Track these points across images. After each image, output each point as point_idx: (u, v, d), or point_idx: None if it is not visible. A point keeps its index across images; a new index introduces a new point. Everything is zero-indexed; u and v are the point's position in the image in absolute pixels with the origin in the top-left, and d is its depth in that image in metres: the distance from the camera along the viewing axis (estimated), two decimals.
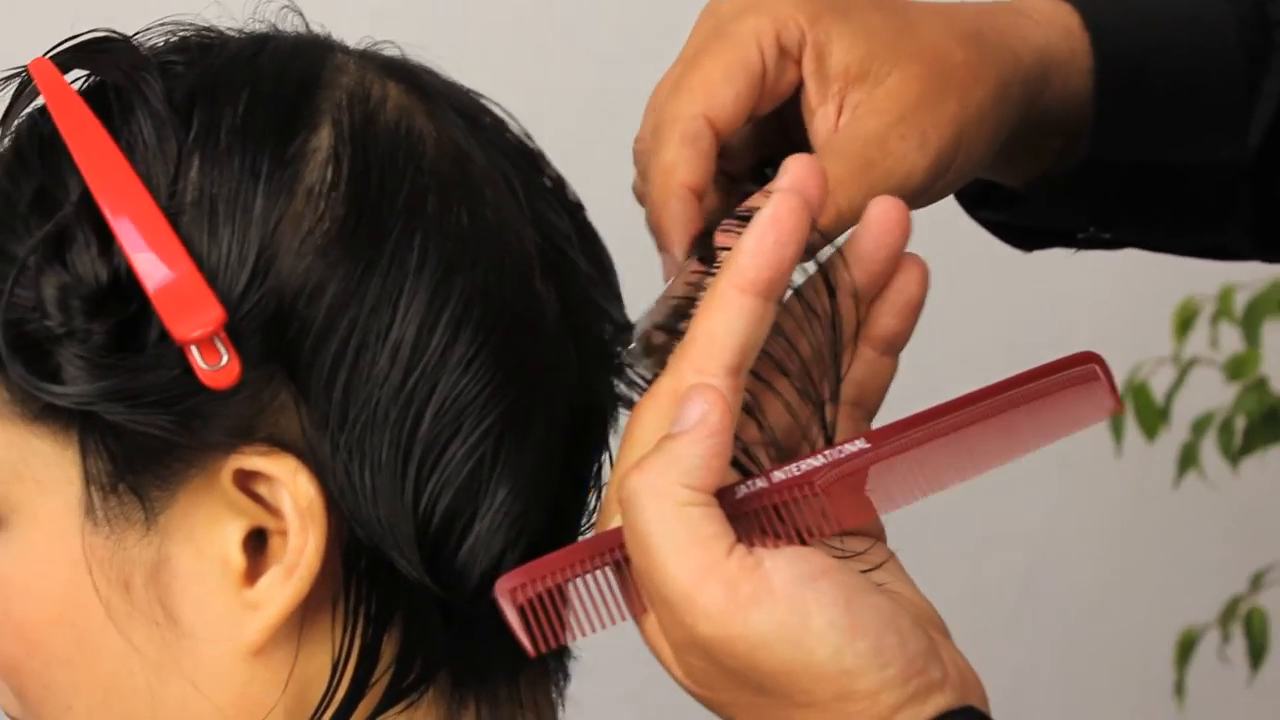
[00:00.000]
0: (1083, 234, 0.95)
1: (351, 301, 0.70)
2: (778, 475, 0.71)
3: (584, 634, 0.71)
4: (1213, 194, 0.92)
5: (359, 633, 0.72)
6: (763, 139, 0.82)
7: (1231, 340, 1.81)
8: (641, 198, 0.81)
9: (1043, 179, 0.91)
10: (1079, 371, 0.75)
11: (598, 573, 0.71)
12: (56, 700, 0.74)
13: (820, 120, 0.80)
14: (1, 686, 0.77)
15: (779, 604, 0.67)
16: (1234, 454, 1.78)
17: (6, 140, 0.75)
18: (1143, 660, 1.92)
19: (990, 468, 0.73)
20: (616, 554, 0.70)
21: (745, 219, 0.71)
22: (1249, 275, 1.79)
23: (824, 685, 0.67)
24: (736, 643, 0.67)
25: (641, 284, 0.79)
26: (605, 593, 0.71)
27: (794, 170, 0.71)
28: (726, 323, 0.69)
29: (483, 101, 0.77)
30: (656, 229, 0.78)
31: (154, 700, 0.73)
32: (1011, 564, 2.13)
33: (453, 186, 0.73)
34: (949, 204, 0.91)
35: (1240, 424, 1.77)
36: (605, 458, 0.78)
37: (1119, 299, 1.83)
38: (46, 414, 0.71)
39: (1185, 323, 1.82)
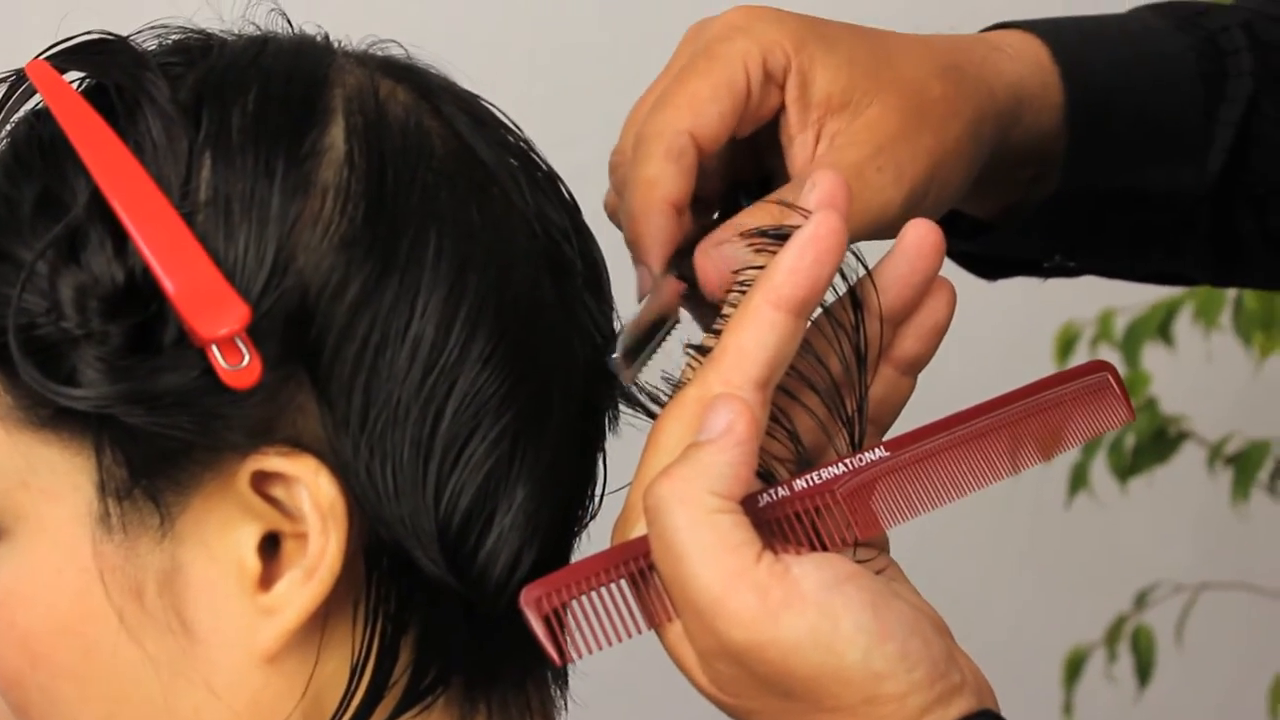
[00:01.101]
0: (1048, 263, 0.97)
1: (370, 299, 0.69)
2: (799, 484, 0.71)
3: (608, 644, 0.70)
4: (1175, 220, 0.94)
5: (378, 634, 0.71)
6: (735, 163, 0.83)
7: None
8: (614, 211, 0.82)
9: (1013, 209, 0.92)
10: (1092, 381, 0.76)
11: (622, 581, 0.70)
12: (62, 713, 0.73)
13: (799, 147, 0.80)
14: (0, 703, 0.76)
15: (809, 608, 0.67)
16: (1124, 473, 1.81)
17: (2, 145, 0.73)
18: (1030, 679, 1.95)
19: (1004, 476, 0.74)
20: (640, 563, 0.70)
21: (778, 237, 0.72)
22: (1127, 299, 1.83)
23: (852, 689, 0.67)
24: (768, 648, 0.67)
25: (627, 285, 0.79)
26: (629, 602, 0.70)
27: (824, 185, 0.72)
28: (757, 337, 0.70)
29: (480, 100, 0.77)
30: (634, 242, 0.78)
31: (167, 709, 0.71)
32: None
33: (463, 183, 0.73)
34: None
35: (1130, 444, 1.80)
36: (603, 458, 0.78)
37: (999, 324, 1.85)
38: (57, 420, 0.70)
39: (1066, 346, 1.85)
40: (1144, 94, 0.93)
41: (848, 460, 0.72)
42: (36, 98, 0.73)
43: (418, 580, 0.71)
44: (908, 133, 0.80)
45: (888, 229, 0.79)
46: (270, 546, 0.71)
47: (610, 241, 0.80)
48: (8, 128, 0.73)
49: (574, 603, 0.70)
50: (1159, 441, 1.80)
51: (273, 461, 0.69)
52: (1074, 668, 1.87)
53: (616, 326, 0.78)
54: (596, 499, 0.78)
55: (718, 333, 0.72)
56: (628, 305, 0.79)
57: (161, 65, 0.72)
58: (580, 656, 0.70)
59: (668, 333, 0.77)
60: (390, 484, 0.69)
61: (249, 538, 0.70)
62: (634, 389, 0.76)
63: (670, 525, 0.68)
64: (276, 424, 0.69)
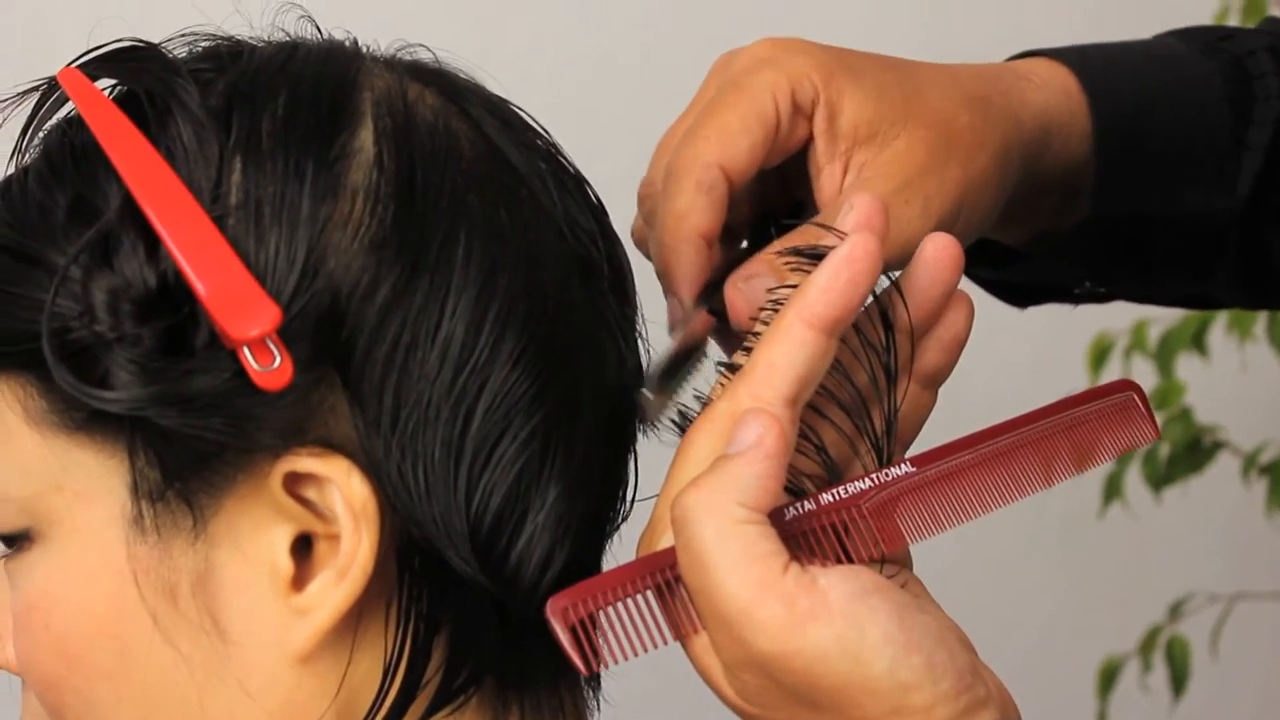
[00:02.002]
0: (1079, 289, 0.97)
1: (401, 301, 0.70)
2: (825, 497, 0.72)
3: (634, 654, 0.71)
4: (1205, 244, 0.94)
5: (410, 634, 0.71)
6: (764, 193, 0.83)
7: (1144, 374, 1.84)
8: (642, 240, 0.82)
9: (1042, 236, 0.93)
10: (1117, 400, 0.77)
11: (648, 592, 0.71)
12: (97, 715, 0.73)
13: (826, 178, 0.81)
14: (33, 706, 0.76)
15: (836, 619, 0.67)
16: (1158, 483, 1.81)
17: (34, 151, 0.74)
18: (1064, 689, 1.94)
19: (1029, 493, 0.75)
20: (667, 574, 0.70)
21: (814, 256, 0.72)
22: (1161, 310, 1.83)
23: (879, 700, 0.67)
24: (794, 658, 0.67)
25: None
26: (655, 613, 0.71)
27: (861, 208, 0.72)
28: (789, 354, 0.70)
29: (508, 103, 0.77)
30: (665, 274, 0.79)
31: (201, 710, 0.72)
32: (931, 593, 2.14)
33: (491, 185, 0.73)
34: None
35: (1164, 454, 1.80)
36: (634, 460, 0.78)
37: (1032, 336, 1.85)
38: (91, 423, 0.70)
39: (1100, 357, 1.85)
40: (1172, 119, 0.93)
41: (874, 475, 0.72)
42: (69, 105, 0.73)
43: (450, 580, 0.71)
44: (935, 164, 0.81)
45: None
46: (303, 547, 0.71)
47: (631, 247, 0.81)
48: (41, 135, 0.74)
49: (600, 613, 0.70)
50: (1193, 451, 1.79)
51: (305, 463, 0.69)
52: (1108, 678, 1.86)
53: (640, 328, 0.78)
54: (628, 502, 0.78)
55: (749, 350, 0.72)
56: (652, 308, 0.79)
57: (192, 72, 0.73)
58: (606, 666, 0.70)
59: (696, 363, 0.78)
60: (422, 484, 0.70)
61: (282, 539, 0.71)
62: (663, 419, 0.76)
63: (698, 535, 0.68)
64: (308, 425, 0.70)
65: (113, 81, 0.73)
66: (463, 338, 0.70)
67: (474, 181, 0.72)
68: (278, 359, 0.68)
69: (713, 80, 0.83)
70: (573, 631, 0.69)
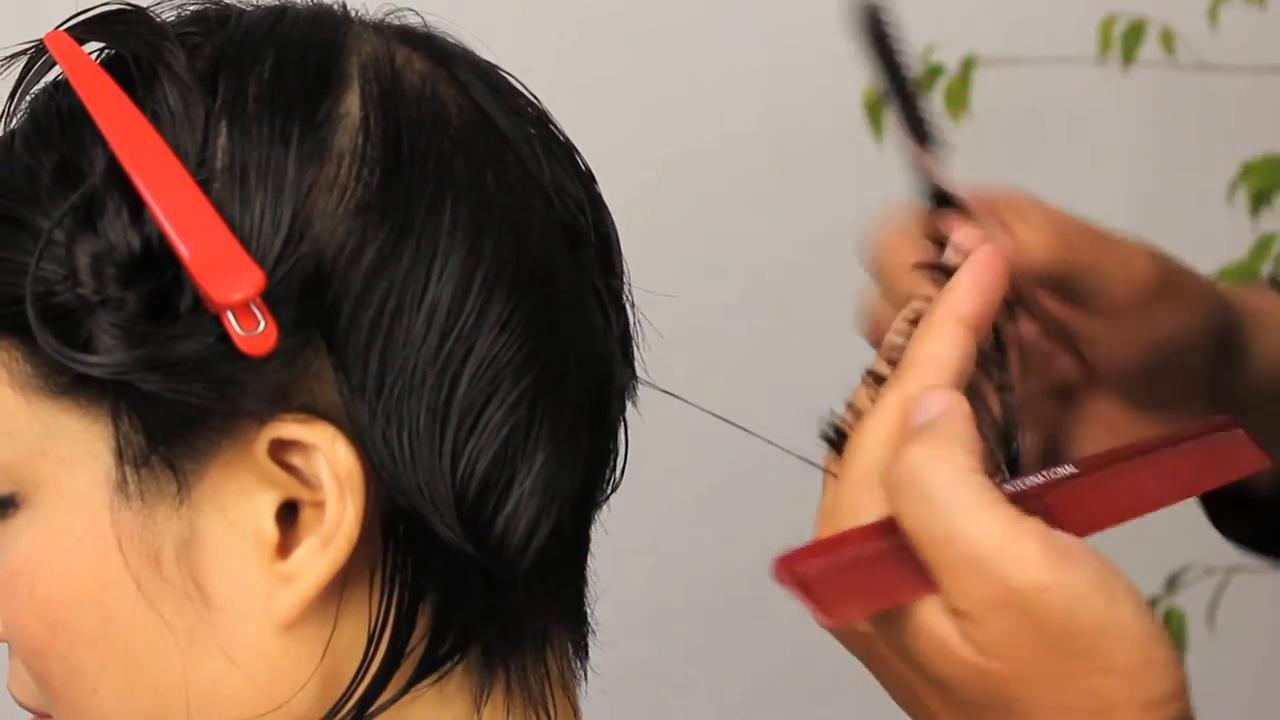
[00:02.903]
0: None
1: (386, 266, 0.69)
2: (1007, 488, 0.71)
3: (863, 614, 0.70)
4: None
5: (394, 602, 0.71)
6: None
7: None
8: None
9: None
10: (1229, 434, 0.80)
11: (874, 555, 0.69)
12: (82, 683, 0.73)
13: None
14: (19, 673, 0.76)
15: (1089, 558, 0.66)
16: None
17: (22, 115, 0.74)
18: None
19: (1156, 509, 0.76)
20: (883, 542, 0.69)
21: (945, 271, 0.76)
22: None
23: (1132, 649, 0.66)
24: (1055, 591, 0.65)
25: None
26: (880, 576, 0.69)
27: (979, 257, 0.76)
28: (948, 347, 0.72)
29: (497, 69, 0.77)
30: None
31: (185, 676, 0.72)
32: None
33: (479, 150, 0.73)
34: None
35: None
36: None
37: None
38: (75, 387, 0.70)
39: None
40: None
41: (1044, 472, 0.73)
42: (57, 69, 0.73)
43: (435, 547, 0.71)
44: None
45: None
46: (288, 514, 0.71)
47: (625, 219, 0.80)
48: (28, 98, 0.74)
49: (830, 573, 0.68)
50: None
51: (290, 429, 0.69)
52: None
53: (625, 298, 0.78)
54: (617, 472, 0.78)
55: (890, 361, 0.74)
56: (639, 277, 0.79)
57: (180, 35, 0.72)
58: (846, 621, 0.70)
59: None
60: (406, 450, 0.69)
61: (266, 505, 0.70)
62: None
63: (935, 482, 0.67)
64: (293, 391, 0.69)
65: (100, 45, 0.73)
66: (449, 303, 0.70)
67: (461, 146, 0.72)
68: (262, 324, 0.68)
69: None
70: (804, 587, 0.67)
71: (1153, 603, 1.86)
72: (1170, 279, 0.84)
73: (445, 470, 0.70)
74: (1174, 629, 1.83)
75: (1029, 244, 0.80)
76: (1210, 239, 2.03)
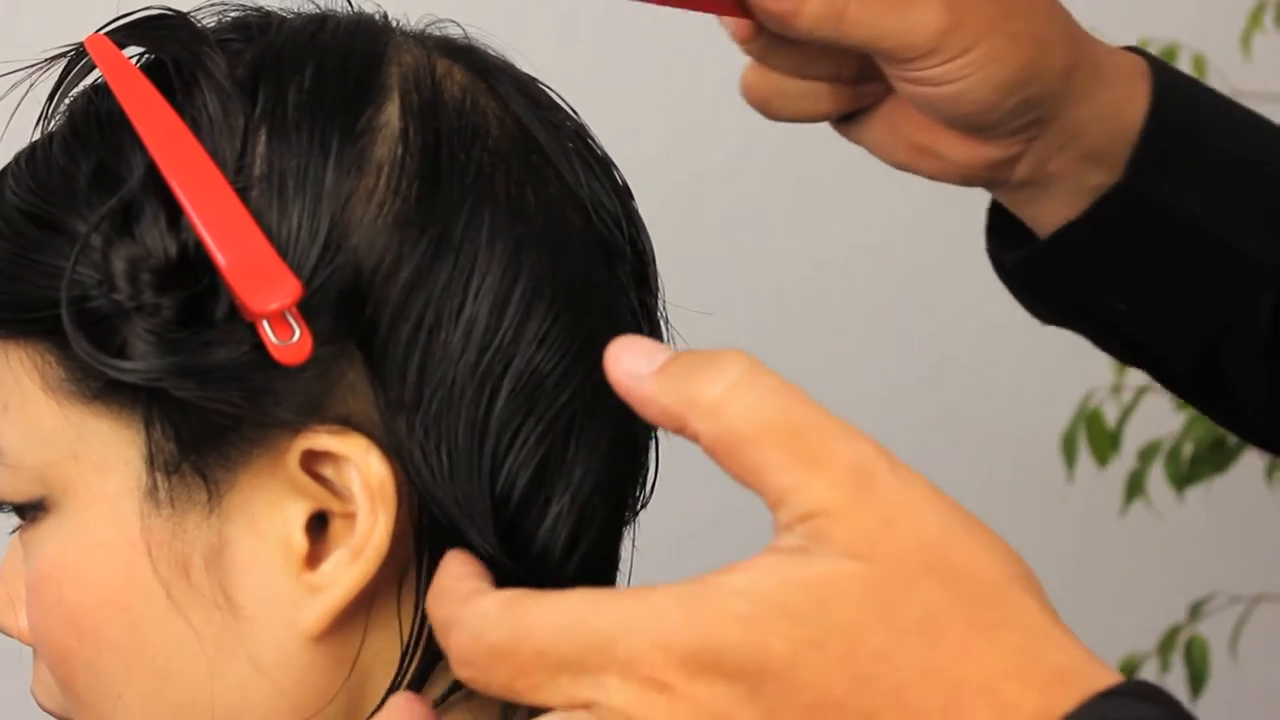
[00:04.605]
0: (1098, 298, 0.92)
1: (424, 279, 0.69)
2: None
3: None
4: (1233, 290, 0.90)
5: (427, 616, 0.71)
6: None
7: None
8: None
9: (1070, 226, 0.90)
10: None
11: None
12: (106, 689, 0.72)
13: None
14: (44, 677, 0.76)
15: None
16: (1180, 482, 1.80)
17: (60, 118, 0.73)
18: None
19: None
20: None
21: None
22: None
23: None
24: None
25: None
26: None
27: None
28: None
29: (537, 82, 0.77)
30: None
31: (211, 685, 0.71)
32: None
33: (518, 164, 0.72)
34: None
35: (1187, 452, 1.79)
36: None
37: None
38: (108, 392, 0.70)
39: None
40: (1239, 126, 0.90)
41: None
42: (96, 72, 0.73)
43: None
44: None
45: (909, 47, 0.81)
46: (318, 525, 0.71)
47: (662, 237, 0.80)
48: (67, 101, 0.74)
49: None
50: (1217, 451, 1.78)
51: (323, 440, 0.69)
52: (1126, 676, 1.85)
53: (660, 314, 0.78)
54: (647, 489, 0.78)
55: None
56: (675, 294, 0.79)
57: (220, 41, 0.72)
58: None
59: None
60: (445, 465, 0.69)
61: (297, 516, 0.70)
62: None
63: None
64: (327, 402, 0.69)
65: (140, 49, 0.73)
66: (486, 318, 0.69)
67: (500, 160, 0.72)
68: (297, 333, 0.68)
69: None
70: None
71: (1176, 631, 1.85)
72: (974, 32, 0.81)
73: (484, 485, 0.69)
74: (1196, 657, 1.83)
75: (804, 11, 0.80)
76: None
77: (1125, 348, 0.95)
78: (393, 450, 0.69)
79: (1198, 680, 1.84)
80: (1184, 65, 1.81)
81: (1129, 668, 1.86)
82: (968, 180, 0.89)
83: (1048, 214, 0.90)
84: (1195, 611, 1.86)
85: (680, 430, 0.60)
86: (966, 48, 0.81)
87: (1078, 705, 0.56)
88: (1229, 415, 0.96)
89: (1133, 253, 0.90)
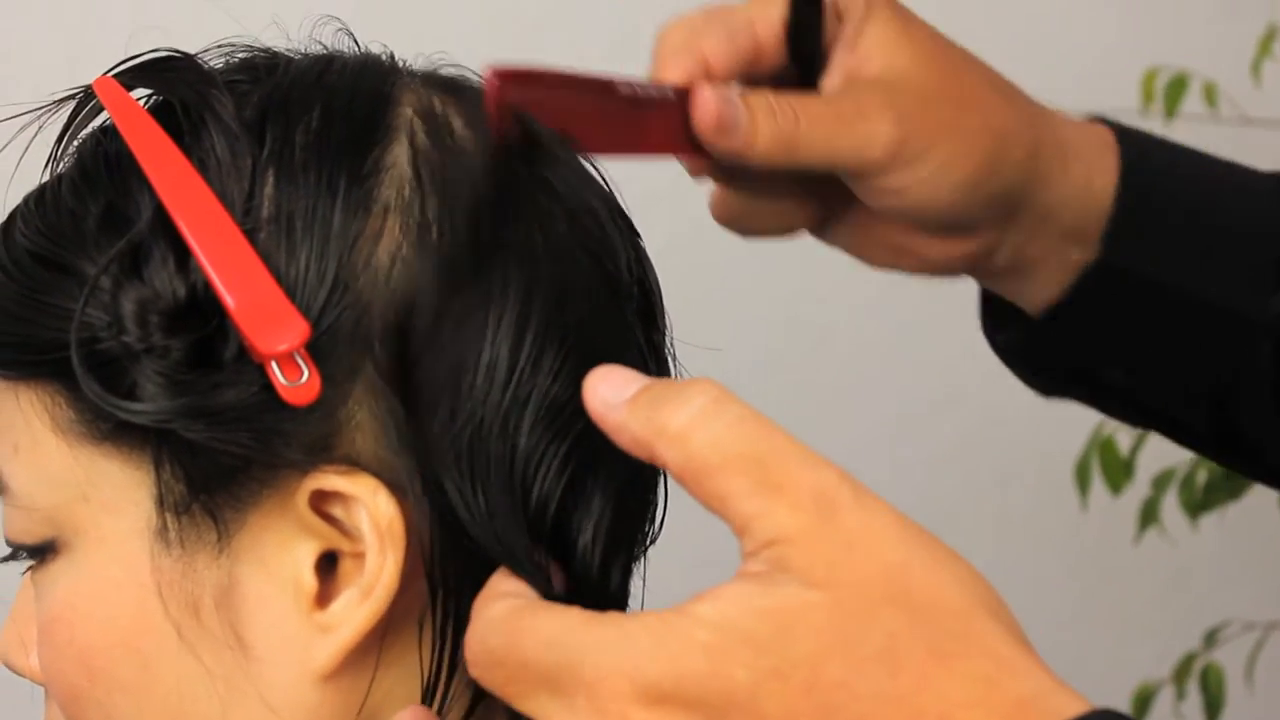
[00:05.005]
0: (1100, 371, 0.92)
1: (436, 317, 0.69)
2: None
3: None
4: (1230, 346, 0.89)
5: (437, 651, 0.71)
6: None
7: None
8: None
9: (1058, 305, 0.90)
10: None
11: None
12: None
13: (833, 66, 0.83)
14: (55, 717, 0.76)
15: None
16: (1194, 510, 1.80)
17: (68, 160, 0.74)
18: None
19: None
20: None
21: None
22: None
23: None
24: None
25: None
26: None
27: None
28: None
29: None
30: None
31: None
32: None
33: (526, 204, 0.72)
34: None
35: (1201, 479, 1.78)
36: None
37: None
38: (118, 434, 0.70)
39: None
40: (1208, 184, 0.90)
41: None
42: (105, 114, 0.73)
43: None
44: (938, 99, 0.82)
45: (864, 164, 0.81)
46: (327, 564, 0.71)
47: (671, 273, 0.80)
48: (76, 143, 0.74)
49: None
50: (1231, 479, 1.78)
51: (332, 480, 0.69)
52: (1142, 705, 1.85)
53: (668, 351, 0.78)
54: (657, 523, 0.77)
55: None
56: (682, 330, 0.79)
57: (228, 83, 0.72)
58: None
59: None
60: (483, 505, 0.68)
61: (306, 555, 0.70)
62: None
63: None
64: (335, 442, 0.69)
65: (148, 91, 0.73)
66: (508, 357, 0.69)
67: (508, 200, 0.72)
68: (305, 374, 0.68)
69: None
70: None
71: (1191, 658, 1.85)
72: (927, 138, 0.81)
73: (520, 520, 0.68)
74: (1211, 684, 1.82)
75: (755, 143, 0.80)
76: None
77: (1134, 414, 0.95)
78: (430, 492, 0.68)
79: (1214, 708, 1.83)
80: (1195, 93, 1.81)
81: (1144, 696, 1.86)
82: (950, 273, 0.89)
83: (1033, 294, 0.91)
84: (1210, 639, 1.86)
85: (651, 459, 0.62)
86: (921, 155, 0.81)
87: None
88: (1253, 466, 0.96)
89: (1123, 324, 0.90)
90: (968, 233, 0.86)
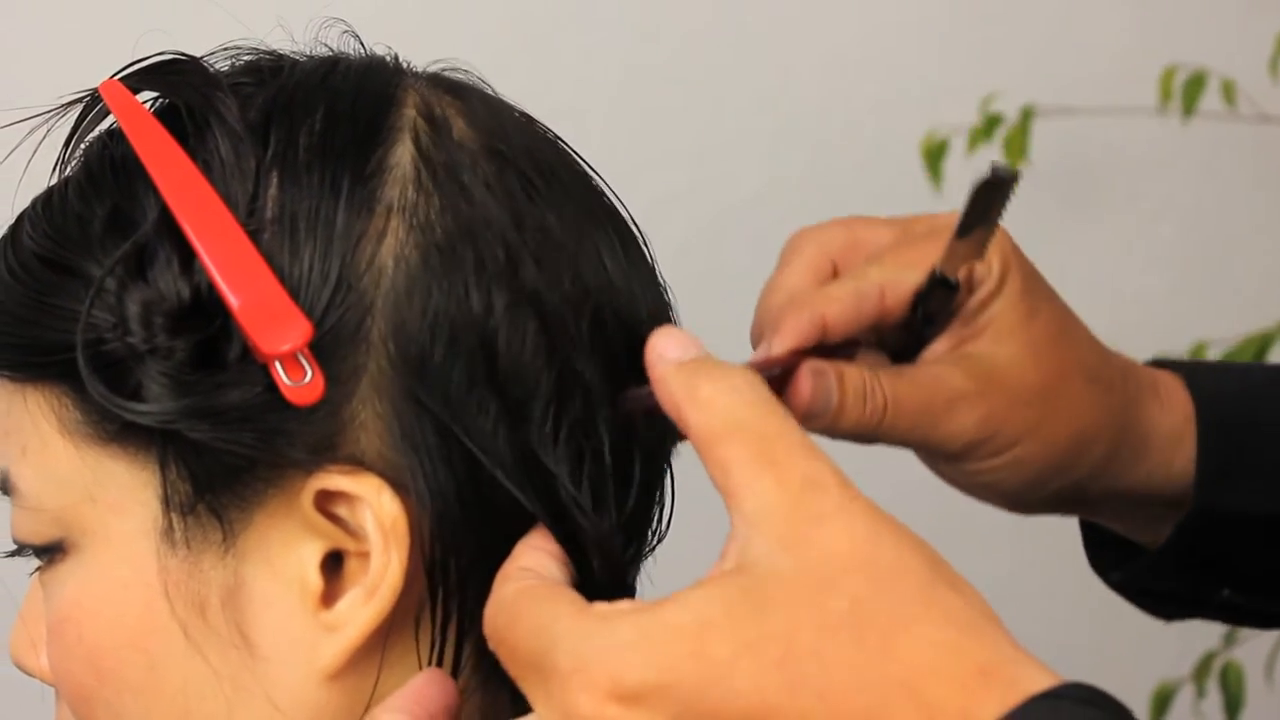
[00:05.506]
0: (1216, 597, 0.94)
1: (438, 315, 0.69)
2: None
3: None
4: None
5: (439, 648, 0.71)
6: None
7: None
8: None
9: (1166, 545, 0.91)
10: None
11: None
12: None
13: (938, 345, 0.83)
14: (65, 717, 0.76)
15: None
16: None
17: (75, 163, 0.74)
18: None
19: None
20: None
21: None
22: (1219, 332, 1.81)
23: None
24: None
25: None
26: None
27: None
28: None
29: (547, 130, 0.77)
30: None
31: None
32: None
33: (526, 205, 0.73)
34: None
35: None
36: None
37: None
38: (124, 435, 0.70)
39: None
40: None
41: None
42: (111, 117, 0.74)
43: (481, 595, 0.70)
44: (1031, 399, 0.83)
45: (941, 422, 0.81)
46: (332, 563, 0.71)
47: (688, 268, 0.80)
48: (83, 147, 0.74)
49: None
50: None
51: (336, 480, 0.69)
52: (1161, 703, 1.85)
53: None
54: (663, 525, 0.78)
55: None
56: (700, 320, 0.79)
57: (233, 85, 0.73)
58: None
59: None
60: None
61: (311, 555, 0.71)
62: None
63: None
64: (339, 441, 0.70)
65: (154, 94, 0.74)
66: (507, 353, 0.70)
67: (510, 200, 0.72)
68: (309, 374, 0.68)
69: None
70: None
71: (1211, 657, 1.84)
72: (1009, 439, 0.82)
73: (548, 507, 0.70)
74: (1231, 682, 1.82)
75: (840, 426, 0.80)
76: (1272, 291, 2.03)
77: (1260, 621, 0.97)
78: (398, 487, 0.69)
79: (1234, 706, 1.83)
80: (1213, 91, 1.81)
81: (1164, 694, 1.85)
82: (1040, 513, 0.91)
83: (1131, 533, 0.93)
84: (1230, 637, 1.85)
85: (677, 417, 0.65)
86: (997, 452, 0.83)
87: (1011, 709, 0.57)
88: None
89: (1230, 555, 0.91)
90: (1036, 510, 0.88)
